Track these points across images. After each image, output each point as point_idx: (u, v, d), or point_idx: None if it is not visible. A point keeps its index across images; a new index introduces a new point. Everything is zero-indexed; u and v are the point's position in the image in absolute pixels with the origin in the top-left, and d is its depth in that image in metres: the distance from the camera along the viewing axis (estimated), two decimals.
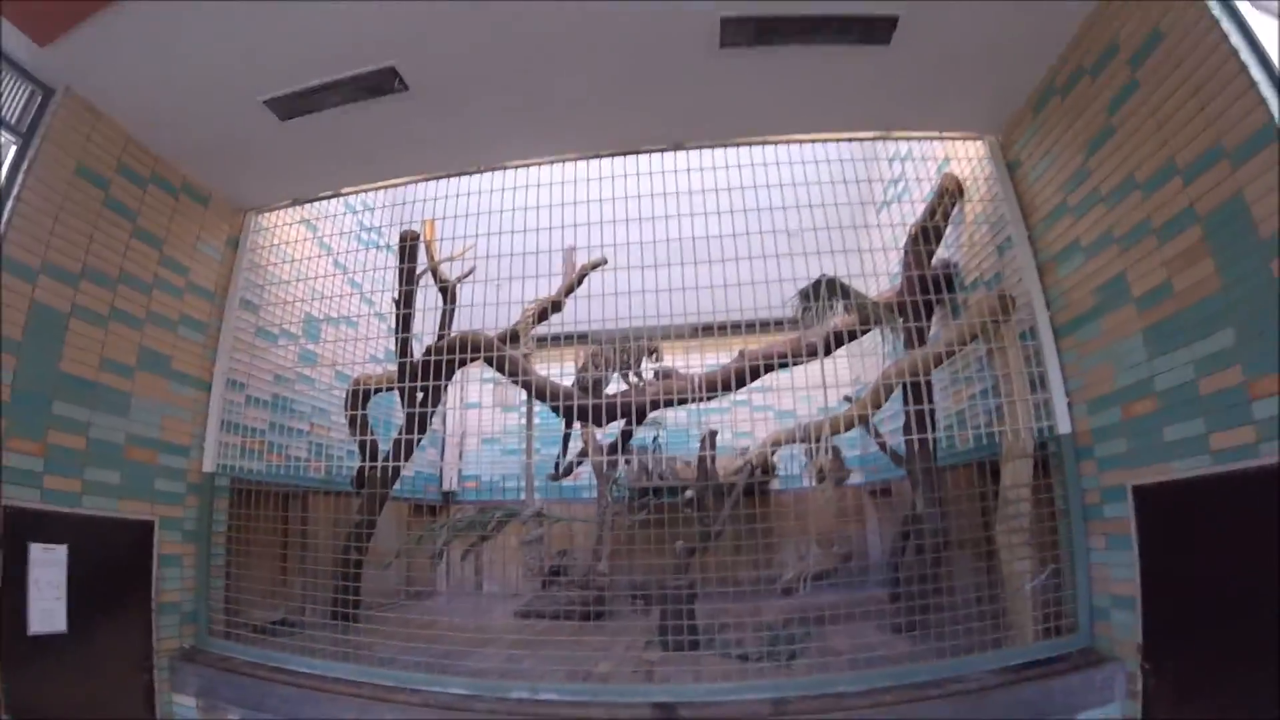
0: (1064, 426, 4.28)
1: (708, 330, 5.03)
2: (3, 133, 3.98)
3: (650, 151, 5.17)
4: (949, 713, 3.76)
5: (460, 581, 6.85)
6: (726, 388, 5.38)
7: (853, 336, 5.31)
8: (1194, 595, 3.53)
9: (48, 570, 3.90)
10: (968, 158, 5.29)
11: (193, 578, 5.00)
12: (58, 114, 4.19)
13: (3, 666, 3.56)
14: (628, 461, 6.18)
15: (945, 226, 5.48)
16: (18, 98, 4.07)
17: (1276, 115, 2.93)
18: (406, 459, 5.76)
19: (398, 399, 6.15)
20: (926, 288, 5.13)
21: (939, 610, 4.38)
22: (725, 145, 5.04)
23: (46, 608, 3.87)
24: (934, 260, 5.43)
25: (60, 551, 3.98)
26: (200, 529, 5.09)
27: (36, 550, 3.85)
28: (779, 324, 5.17)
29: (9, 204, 3.91)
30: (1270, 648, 2.95)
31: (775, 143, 5.09)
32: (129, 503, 4.58)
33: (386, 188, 5.82)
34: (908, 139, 5.74)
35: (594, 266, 6.01)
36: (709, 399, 5.38)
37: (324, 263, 5.87)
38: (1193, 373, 3.36)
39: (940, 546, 4.79)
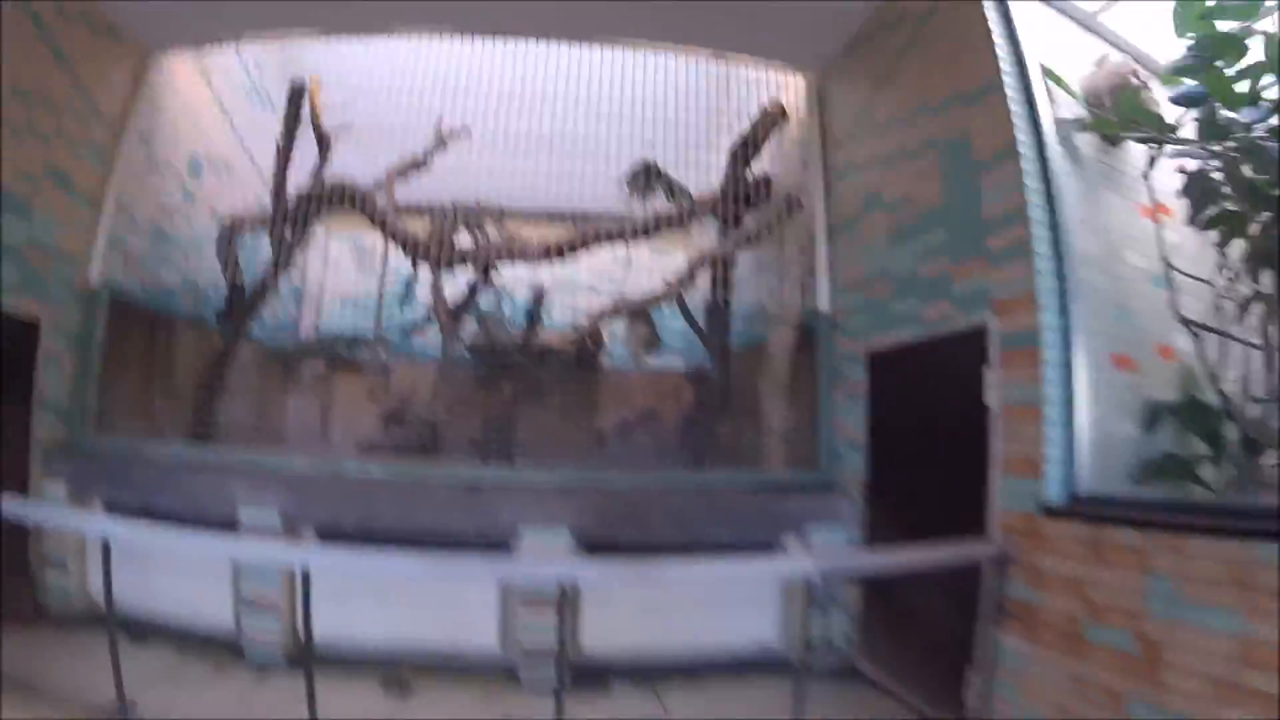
0: (824, 306, 5.43)
1: (553, 215, 5.82)
2: None
3: (514, 36, 5.78)
4: (711, 504, 4.97)
5: (308, 423, 7.28)
6: (561, 253, 6.15)
7: (671, 223, 6.22)
8: (898, 437, 4.78)
9: None
10: (793, 88, 6.29)
11: (71, 378, 5.38)
12: None
13: None
14: (470, 320, 6.77)
15: (765, 143, 6.45)
16: None
17: (1001, 68, 4.00)
18: (269, 294, 6.21)
19: (266, 240, 6.51)
20: (741, 191, 6.11)
21: (717, 446, 5.50)
22: (590, 42, 5.76)
23: None
24: (752, 170, 6.41)
25: None
26: (81, 335, 5.45)
27: None
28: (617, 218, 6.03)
29: None
30: (956, 474, 4.17)
31: (632, 47, 5.85)
32: (23, 300, 4.91)
33: (278, 40, 6.17)
34: (746, 64, 6.64)
35: (456, 136, 6.53)
36: (546, 260, 6.14)
37: (214, 110, 6.21)
38: (915, 262, 4.51)
39: (724, 397, 5.88)
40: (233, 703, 4.11)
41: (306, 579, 3.18)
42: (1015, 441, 3.77)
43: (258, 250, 7.03)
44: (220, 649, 4.69)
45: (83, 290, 5.48)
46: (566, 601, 3.26)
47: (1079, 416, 3.63)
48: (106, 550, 3.54)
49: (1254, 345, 4.04)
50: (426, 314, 6.79)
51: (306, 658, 3.22)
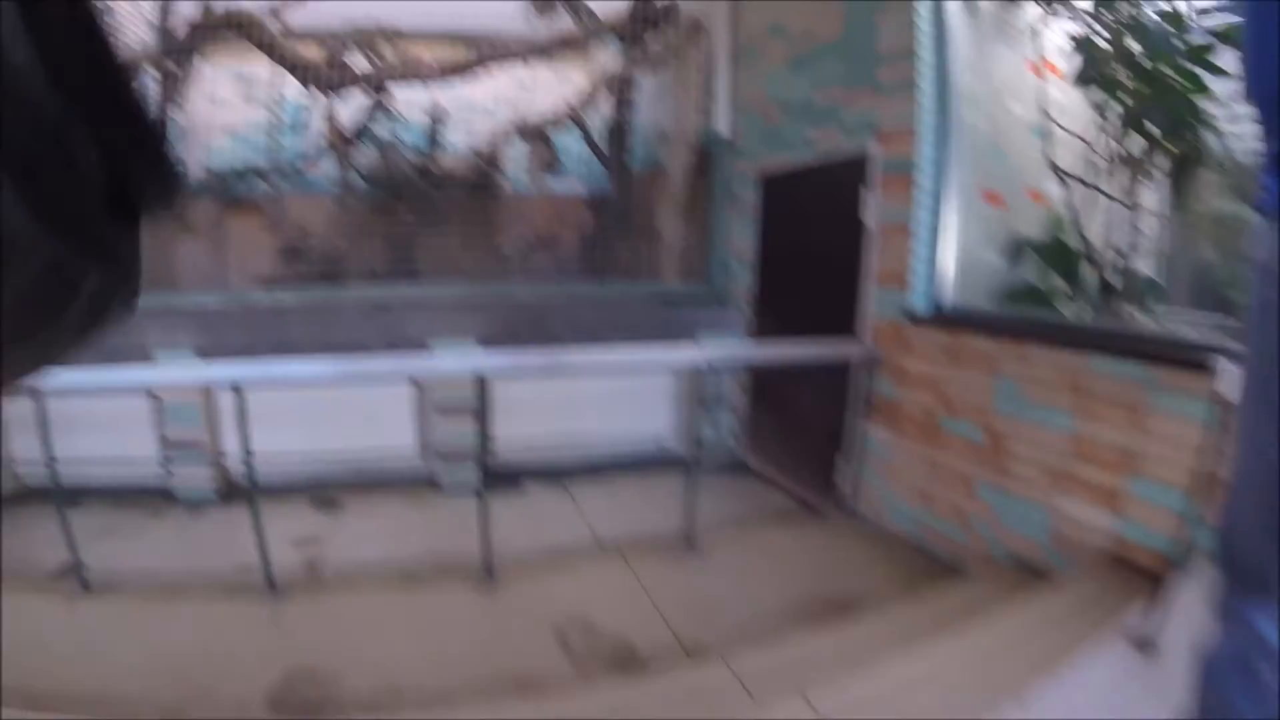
0: (723, 129, 5.65)
1: (451, 36, 5.69)
2: None
3: None
4: (609, 311, 5.36)
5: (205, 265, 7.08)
6: (458, 74, 6.06)
7: (573, 44, 6.18)
8: (784, 253, 5.20)
9: None
10: None
11: None
12: None
13: None
14: (366, 147, 6.62)
15: None
16: None
17: None
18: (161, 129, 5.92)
19: (152, 69, 6.11)
20: (645, 14, 6.08)
21: (615, 264, 5.80)
22: None
23: None
24: None
25: None
26: None
27: None
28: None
29: None
30: (835, 287, 4.62)
31: None
32: None
33: None
34: None
35: None
36: (443, 81, 6.04)
37: None
38: (810, 91, 4.75)
39: (621, 223, 6.13)
40: (172, 541, 4.29)
41: (240, 394, 3.34)
42: (888, 257, 4.23)
43: (143, 88, 6.56)
44: (153, 497, 4.78)
45: None
46: (480, 396, 3.51)
47: (946, 240, 4.08)
48: (36, 398, 3.52)
49: (1118, 200, 4.56)
50: (320, 143, 6.62)
51: (250, 473, 3.43)
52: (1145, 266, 4.77)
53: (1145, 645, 2.29)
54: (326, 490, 4.99)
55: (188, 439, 4.74)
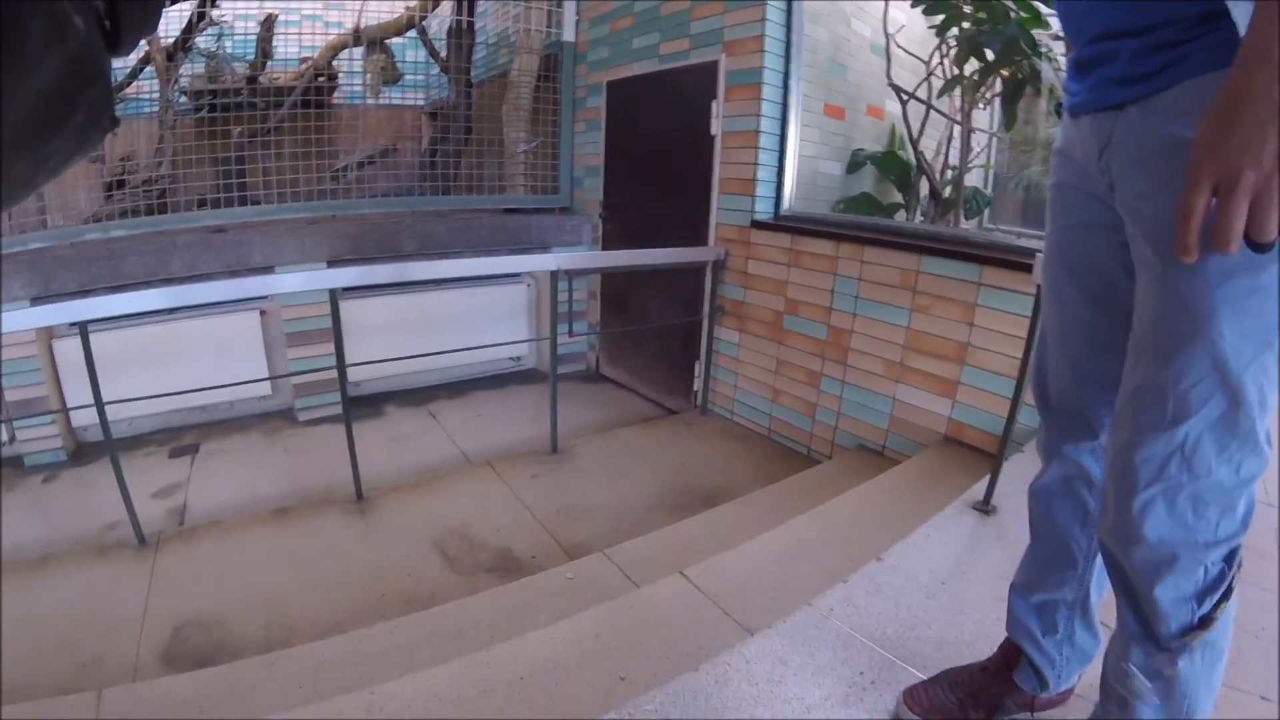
0: (569, 37, 5.57)
1: None
2: None
3: None
4: (457, 225, 5.30)
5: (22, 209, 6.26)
6: None
7: None
8: (632, 162, 5.26)
9: None
10: None
11: None
12: None
13: None
14: (190, 61, 6.05)
15: None
16: None
17: None
18: None
19: None
20: None
21: (460, 177, 5.68)
22: None
23: None
24: None
25: None
26: None
27: None
28: None
29: None
30: (682, 195, 4.73)
31: None
32: None
33: None
34: None
35: None
36: None
37: None
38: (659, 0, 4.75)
39: (465, 135, 5.97)
40: (29, 510, 3.93)
41: (85, 335, 3.08)
42: (733, 165, 4.37)
43: None
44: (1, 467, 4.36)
45: None
46: (333, 317, 3.40)
47: (789, 148, 4.26)
48: None
49: (950, 119, 4.86)
50: (141, 61, 5.99)
51: (104, 425, 3.20)
52: (975, 181, 5.17)
53: (983, 508, 2.61)
54: (181, 435, 4.78)
55: (30, 398, 4.34)
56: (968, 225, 4.88)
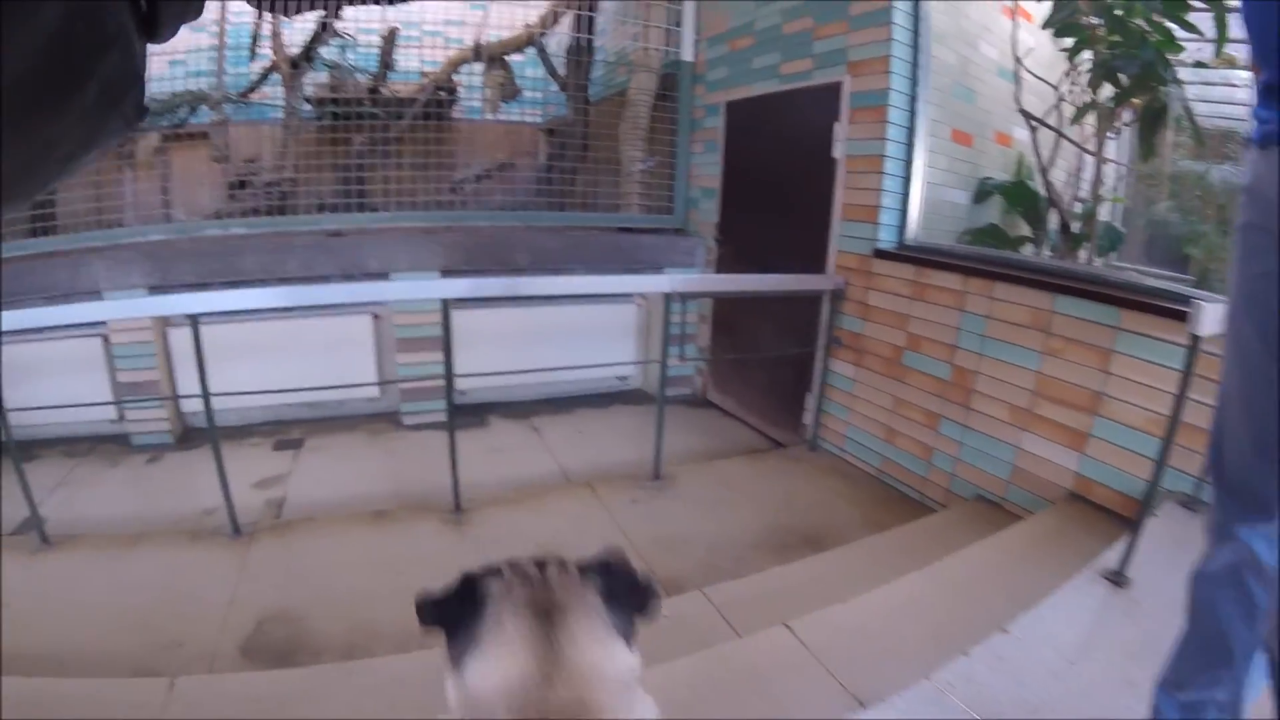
0: (688, 56, 5.51)
1: None
2: None
3: None
4: (571, 241, 5.30)
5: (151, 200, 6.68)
6: None
7: None
8: (749, 185, 5.15)
9: None
10: None
11: None
12: None
13: None
14: (315, 71, 6.29)
15: None
16: None
17: None
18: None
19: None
20: None
21: (575, 193, 5.70)
22: None
23: None
24: None
25: None
26: None
27: None
28: None
29: None
30: (801, 219, 4.60)
31: None
32: None
33: None
34: None
35: None
36: (392, 1, 5.74)
37: None
38: (780, 19, 4.64)
39: (581, 152, 5.99)
40: (130, 489, 4.14)
41: (195, 328, 3.20)
42: (855, 191, 4.20)
43: None
44: (108, 444, 4.65)
45: None
46: (444, 325, 3.44)
47: (915, 175, 4.07)
48: None
49: (1083, 148, 4.60)
50: (267, 68, 6.28)
51: (208, 413, 3.32)
52: (1106, 215, 4.87)
53: (1116, 579, 2.39)
54: (287, 429, 4.93)
55: (141, 381, 4.58)
56: (1098, 263, 4.58)
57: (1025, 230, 4.83)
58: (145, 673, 2.23)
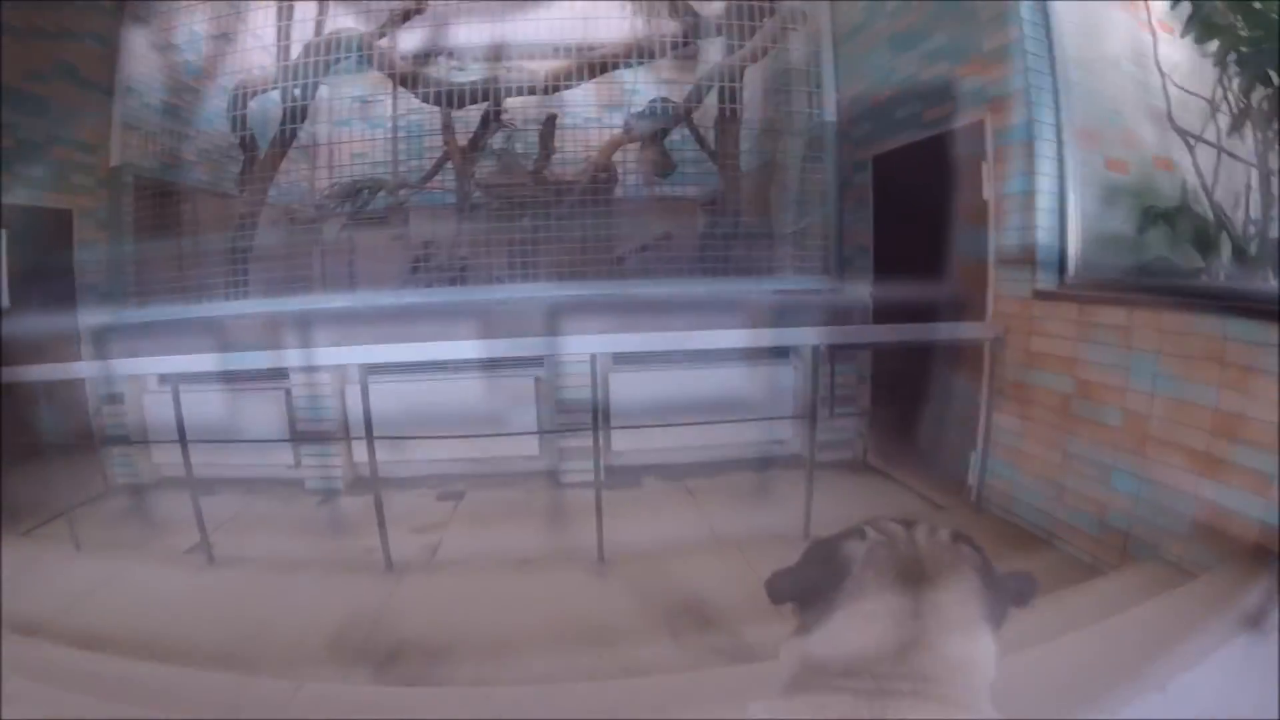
0: (830, 116, 5.52)
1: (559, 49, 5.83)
2: None
3: None
4: (726, 305, 5.34)
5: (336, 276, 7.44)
6: (568, 80, 6.16)
7: (678, 45, 6.17)
8: (902, 237, 5.00)
9: None
10: None
11: (108, 259, 5.62)
12: None
13: None
14: (485, 155, 6.81)
15: None
16: None
17: None
18: (283, 153, 6.33)
19: (277, 100, 6.54)
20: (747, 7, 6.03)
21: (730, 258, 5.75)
22: None
23: None
24: None
25: None
26: (111, 217, 5.66)
27: None
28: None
29: None
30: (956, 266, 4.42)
31: None
32: (51, 195, 5.21)
33: None
34: None
35: None
36: (554, 89, 6.16)
37: None
38: (917, 65, 4.57)
39: (735, 219, 6.06)
40: (300, 527, 4.59)
41: (365, 377, 3.53)
42: (1010, 231, 3.99)
43: (268, 114, 7.05)
44: (284, 487, 5.13)
45: (105, 175, 5.64)
46: (600, 386, 3.58)
47: (1070, 210, 3.82)
48: (174, 386, 3.89)
49: (1245, 161, 4.19)
50: (440, 158, 6.86)
51: (371, 454, 3.61)
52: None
53: None
54: (451, 482, 5.19)
55: (319, 430, 5.03)
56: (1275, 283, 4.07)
57: (1196, 259, 4.38)
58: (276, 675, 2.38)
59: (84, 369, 5.03)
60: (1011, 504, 4.10)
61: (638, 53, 5.99)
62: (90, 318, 5.38)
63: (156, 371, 4.62)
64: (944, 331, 4.22)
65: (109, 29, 5.72)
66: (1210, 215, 4.19)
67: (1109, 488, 3.46)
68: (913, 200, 4.84)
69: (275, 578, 3.59)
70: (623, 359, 5.15)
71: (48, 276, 5.07)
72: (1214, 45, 3.88)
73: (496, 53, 6.43)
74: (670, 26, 6.06)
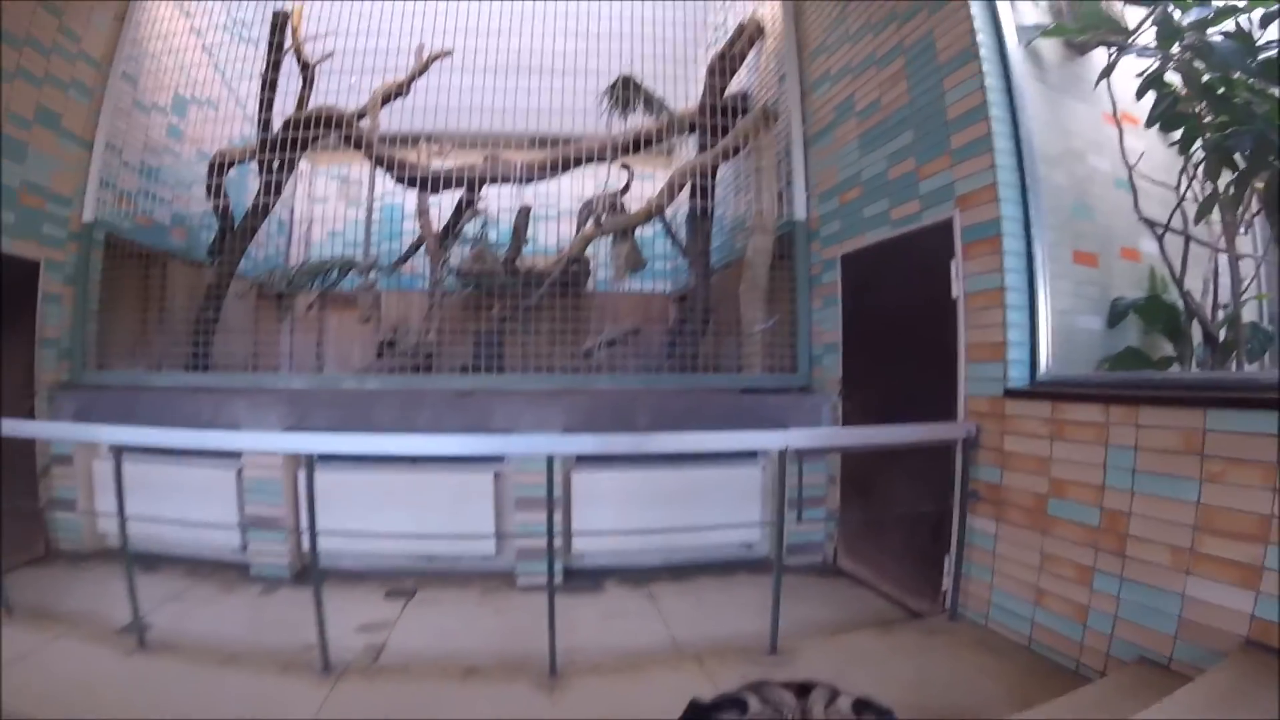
0: (800, 214, 5.53)
1: (536, 139, 5.90)
2: None
3: None
4: (693, 403, 5.28)
5: (302, 352, 7.37)
6: (544, 172, 6.22)
7: (652, 140, 6.26)
8: (871, 336, 4.93)
9: None
10: (769, 3, 6.31)
11: (70, 316, 5.53)
12: None
13: None
14: (458, 245, 6.84)
15: (743, 58, 6.48)
16: None
17: None
18: (258, 225, 6.29)
19: (255, 171, 6.57)
20: (720, 106, 6.17)
21: (700, 357, 5.66)
22: None
23: None
24: (731, 87, 6.45)
25: None
26: (78, 274, 5.57)
27: None
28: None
29: None
30: (926, 365, 4.34)
31: None
32: (19, 243, 5.07)
33: None
34: None
35: (437, 57, 6.52)
36: (529, 180, 6.22)
37: (196, 47, 6.27)
38: (885, 165, 4.60)
39: (704, 315, 6.02)
40: (239, 615, 4.33)
41: (311, 466, 3.35)
42: (980, 328, 3.93)
43: (245, 184, 7.08)
44: (228, 570, 4.95)
45: (77, 230, 5.59)
46: (561, 485, 3.41)
47: (1040, 305, 3.77)
48: (118, 457, 3.70)
49: (1214, 248, 4.20)
50: (414, 241, 6.86)
51: (313, 548, 3.39)
52: (1250, 314, 4.33)
53: None
54: (401, 578, 4.95)
55: (267, 515, 4.85)
56: (1250, 369, 4.01)
57: (1168, 349, 4.32)
58: None
59: (33, 428, 4.82)
60: (988, 608, 3.89)
61: (613, 148, 6.05)
62: (46, 374, 5.28)
63: (106, 440, 4.41)
64: (915, 433, 4.08)
65: (95, 81, 5.75)
66: (1180, 304, 4.16)
67: (1089, 588, 3.28)
68: (882, 298, 4.79)
69: (204, 672, 3.38)
70: (586, 458, 4.96)
71: (8, 326, 4.91)
72: (1178, 133, 3.90)
73: (475, 141, 6.51)
74: (645, 123, 6.16)
